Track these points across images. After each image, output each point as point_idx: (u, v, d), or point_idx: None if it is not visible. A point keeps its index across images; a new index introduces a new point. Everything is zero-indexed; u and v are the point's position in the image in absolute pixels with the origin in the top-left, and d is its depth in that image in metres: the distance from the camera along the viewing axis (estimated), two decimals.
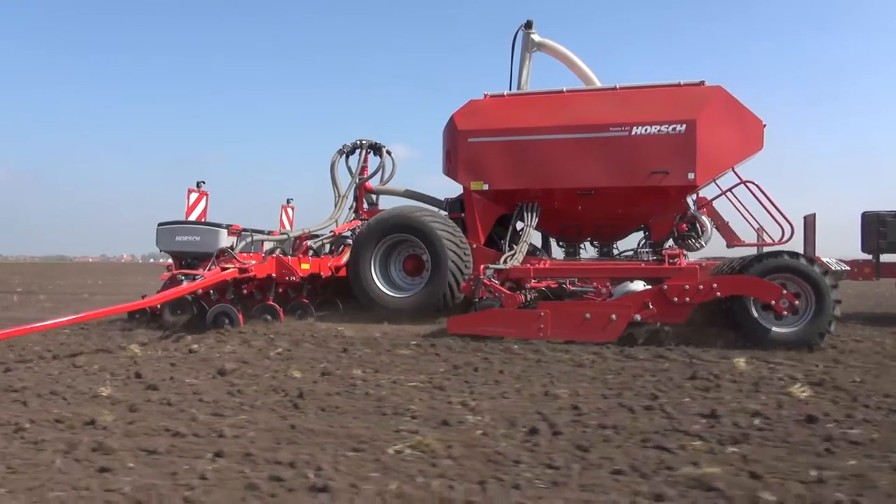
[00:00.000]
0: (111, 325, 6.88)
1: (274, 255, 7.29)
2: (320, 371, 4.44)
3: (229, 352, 5.30)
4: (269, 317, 6.77)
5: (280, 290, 7.56)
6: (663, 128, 7.36)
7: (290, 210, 9.94)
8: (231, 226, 7.33)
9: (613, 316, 5.66)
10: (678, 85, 7.75)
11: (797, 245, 7.52)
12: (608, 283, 6.66)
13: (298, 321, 6.98)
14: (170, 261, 7.72)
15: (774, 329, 5.57)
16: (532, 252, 8.21)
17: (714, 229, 7.79)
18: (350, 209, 9.40)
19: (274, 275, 7.14)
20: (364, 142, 9.62)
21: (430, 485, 2.32)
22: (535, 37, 9.25)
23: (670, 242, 7.97)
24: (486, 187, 8.01)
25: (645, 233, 8.29)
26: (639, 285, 6.37)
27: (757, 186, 7.42)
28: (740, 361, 4.60)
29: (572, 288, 6.98)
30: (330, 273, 8.14)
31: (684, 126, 7.29)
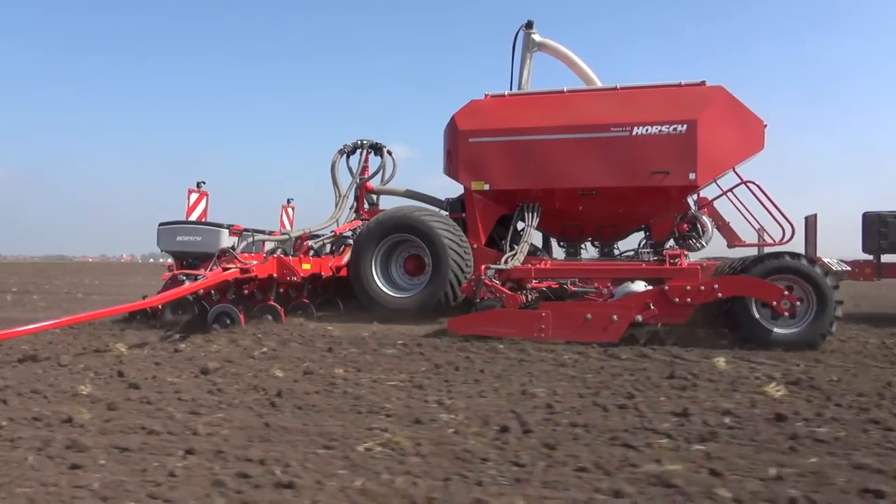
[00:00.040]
0: (101, 325, 6.81)
1: (275, 256, 7.30)
2: (303, 370, 4.44)
3: (215, 351, 5.29)
4: (270, 317, 6.77)
5: (281, 290, 7.57)
6: (664, 128, 7.36)
7: (290, 210, 9.93)
8: (232, 226, 7.32)
9: (615, 316, 5.66)
10: (679, 85, 7.75)
11: (798, 245, 7.54)
12: (609, 284, 6.67)
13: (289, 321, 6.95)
14: (170, 261, 7.72)
15: (776, 330, 5.57)
16: (533, 252, 8.22)
17: (715, 230, 7.79)
18: (351, 209, 9.39)
19: (275, 275, 7.14)
20: (365, 142, 9.61)
21: (395, 482, 2.33)
22: (536, 37, 9.24)
23: (671, 243, 7.97)
24: (486, 187, 8.00)
25: (646, 233, 8.29)
26: (640, 286, 6.37)
27: (758, 186, 7.42)
28: (720, 361, 4.61)
29: (573, 288, 6.98)
30: (331, 273, 8.15)
31: (685, 126, 7.29)
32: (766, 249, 7.18)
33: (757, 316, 5.63)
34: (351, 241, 8.77)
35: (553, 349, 5.26)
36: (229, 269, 6.60)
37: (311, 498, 2.21)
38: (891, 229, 8.15)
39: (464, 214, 8.34)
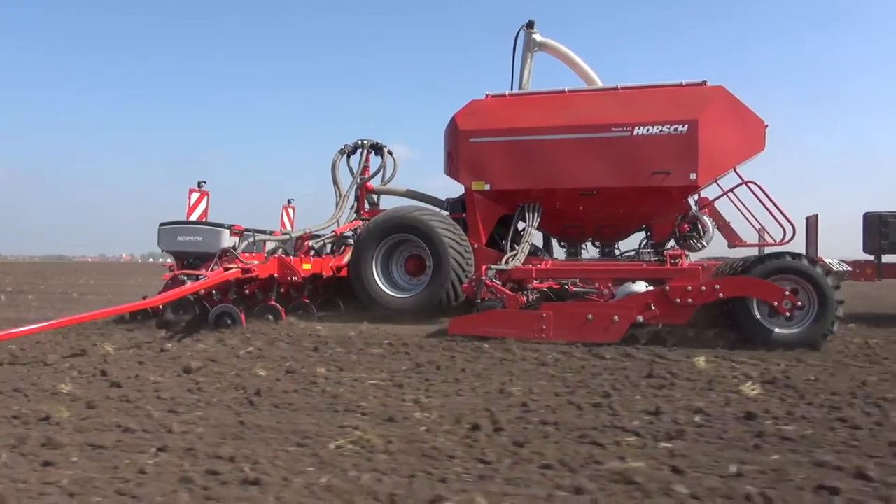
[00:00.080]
0: (92, 325, 6.74)
1: (276, 255, 7.29)
2: (285, 369, 4.44)
3: (201, 350, 5.28)
4: (270, 317, 6.77)
5: (282, 290, 7.57)
6: (665, 128, 7.35)
7: (290, 210, 9.92)
8: (233, 226, 7.32)
9: (616, 317, 5.67)
10: (680, 85, 7.74)
11: (799, 246, 7.53)
12: (610, 284, 6.67)
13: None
14: (171, 261, 7.71)
15: (777, 330, 5.58)
16: (533, 252, 8.21)
17: (716, 230, 7.79)
18: (351, 209, 9.39)
19: (276, 275, 7.14)
20: (365, 142, 9.60)
21: (361, 479, 2.35)
22: (537, 37, 9.24)
23: (672, 243, 7.97)
24: (487, 187, 8.00)
25: (646, 233, 8.29)
26: (641, 286, 6.37)
27: (759, 186, 7.42)
28: (700, 360, 4.62)
29: (574, 289, 6.98)
30: (331, 273, 8.14)
31: (686, 126, 7.29)
32: (767, 250, 7.18)
33: (758, 316, 5.63)
34: (351, 241, 8.76)
35: (538, 349, 5.27)
36: (230, 269, 6.60)
37: (276, 495, 2.23)
38: (891, 230, 8.14)
39: (464, 214, 8.33)
